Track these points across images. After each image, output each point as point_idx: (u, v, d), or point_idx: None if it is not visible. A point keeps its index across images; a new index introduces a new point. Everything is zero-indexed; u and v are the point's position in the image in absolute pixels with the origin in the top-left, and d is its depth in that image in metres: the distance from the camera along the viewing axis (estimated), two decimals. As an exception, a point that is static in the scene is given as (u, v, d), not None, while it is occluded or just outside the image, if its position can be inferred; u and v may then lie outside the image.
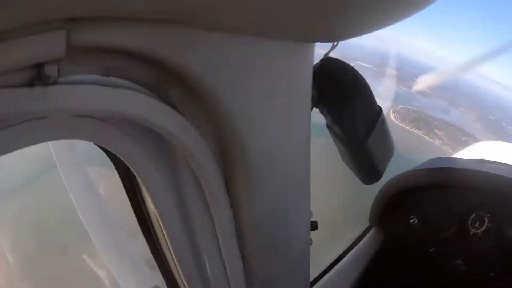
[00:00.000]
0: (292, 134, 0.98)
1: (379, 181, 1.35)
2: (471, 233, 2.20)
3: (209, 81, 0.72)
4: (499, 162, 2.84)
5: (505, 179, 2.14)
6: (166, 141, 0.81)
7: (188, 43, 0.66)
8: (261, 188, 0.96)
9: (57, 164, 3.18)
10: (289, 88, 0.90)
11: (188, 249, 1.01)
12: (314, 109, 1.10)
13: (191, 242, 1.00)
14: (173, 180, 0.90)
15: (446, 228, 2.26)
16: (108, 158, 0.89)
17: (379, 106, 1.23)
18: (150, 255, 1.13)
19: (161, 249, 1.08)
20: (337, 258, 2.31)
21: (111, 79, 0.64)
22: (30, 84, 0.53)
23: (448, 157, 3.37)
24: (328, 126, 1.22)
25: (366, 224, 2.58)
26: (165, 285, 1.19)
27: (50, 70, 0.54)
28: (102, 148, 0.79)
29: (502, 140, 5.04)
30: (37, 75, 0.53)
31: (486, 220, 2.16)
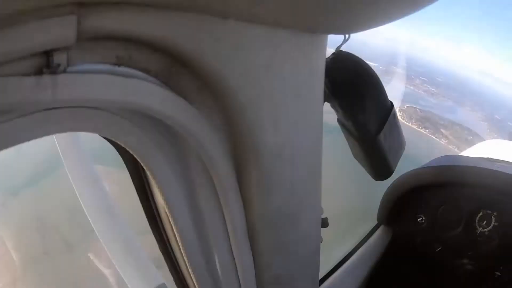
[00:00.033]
0: (305, 128, 0.96)
1: (387, 179, 1.34)
2: (478, 232, 2.20)
3: (221, 70, 0.70)
4: (506, 161, 2.83)
5: None
6: (177, 134, 0.79)
7: (201, 31, 0.64)
8: (273, 183, 0.94)
9: (63, 161, 3.19)
10: (302, 81, 0.88)
11: (198, 245, 0.99)
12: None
13: (201, 238, 0.98)
14: (184, 174, 0.88)
15: (453, 227, 2.27)
16: (114, 157, 0.87)
17: (390, 101, 1.21)
18: (156, 254, 1.12)
19: (170, 245, 1.06)
20: (345, 256, 2.30)
21: (122, 69, 0.62)
22: (39, 72, 0.51)
23: (455, 155, 3.35)
24: (339, 121, 1.21)
25: (374, 222, 2.58)
26: (173, 282, 1.17)
27: (60, 58, 0.52)
28: (110, 142, 0.78)
29: (508, 140, 5.01)
30: (46, 63, 0.51)
31: (493, 219, 2.16)
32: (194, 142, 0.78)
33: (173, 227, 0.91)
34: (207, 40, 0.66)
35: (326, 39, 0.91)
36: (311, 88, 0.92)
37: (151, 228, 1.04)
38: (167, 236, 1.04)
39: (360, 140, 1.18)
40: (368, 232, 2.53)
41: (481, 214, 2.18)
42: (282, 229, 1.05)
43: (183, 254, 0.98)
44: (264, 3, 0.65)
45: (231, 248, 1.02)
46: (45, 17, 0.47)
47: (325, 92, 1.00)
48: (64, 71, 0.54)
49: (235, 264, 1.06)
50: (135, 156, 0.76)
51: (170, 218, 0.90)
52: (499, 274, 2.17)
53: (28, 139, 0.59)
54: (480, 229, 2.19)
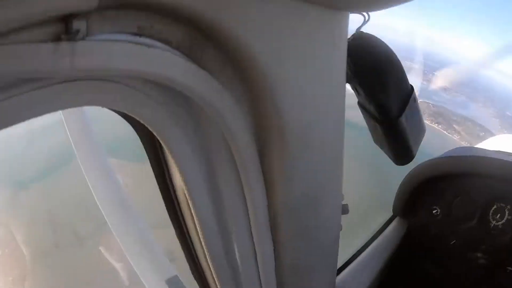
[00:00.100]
0: (328, 108, 0.93)
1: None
2: (491, 225, 2.20)
3: (246, 42, 0.67)
4: None
5: None
6: (197, 108, 0.77)
7: (229, 1, 0.62)
8: (296, 165, 0.91)
9: (76, 154, 3.20)
10: (326, 59, 0.86)
11: (217, 230, 0.96)
12: None
13: (220, 223, 0.95)
14: (204, 152, 0.85)
15: (468, 219, 2.26)
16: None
17: (410, 84, 1.18)
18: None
19: (187, 230, 1.03)
20: (361, 247, 2.29)
21: (144, 39, 0.59)
22: (57, 39, 0.49)
23: (471, 147, 3.33)
24: (359, 103, 1.18)
25: (389, 214, 2.57)
26: (189, 272, 1.15)
27: (79, 25, 0.49)
28: (126, 118, 0.75)
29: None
30: (65, 30, 0.49)
31: (507, 212, 2.16)
32: (217, 117, 0.76)
33: (192, 209, 0.89)
34: (231, 10, 0.63)
35: (347, 17, 0.88)
36: (334, 67, 0.90)
37: (168, 213, 1.01)
38: (185, 223, 1.01)
39: (382, 122, 1.15)
40: (383, 223, 2.52)
41: (495, 207, 2.18)
42: (304, 215, 1.03)
43: (201, 239, 0.96)
44: None
45: (252, 235, 0.99)
46: None
47: (347, 73, 0.97)
48: (84, 39, 0.51)
49: (255, 252, 1.03)
50: (151, 129, 0.73)
51: (188, 200, 0.87)
52: (511, 269, 2.16)
53: (42, 114, 0.56)
54: (494, 222, 2.19)
